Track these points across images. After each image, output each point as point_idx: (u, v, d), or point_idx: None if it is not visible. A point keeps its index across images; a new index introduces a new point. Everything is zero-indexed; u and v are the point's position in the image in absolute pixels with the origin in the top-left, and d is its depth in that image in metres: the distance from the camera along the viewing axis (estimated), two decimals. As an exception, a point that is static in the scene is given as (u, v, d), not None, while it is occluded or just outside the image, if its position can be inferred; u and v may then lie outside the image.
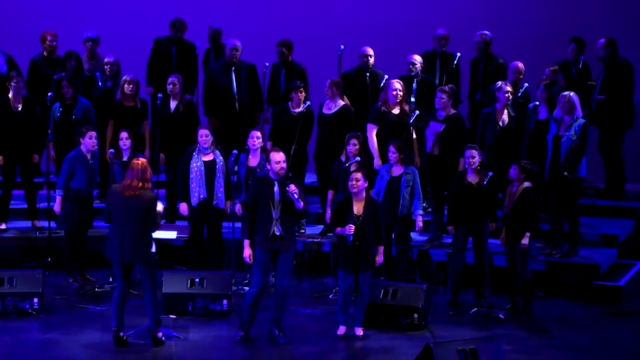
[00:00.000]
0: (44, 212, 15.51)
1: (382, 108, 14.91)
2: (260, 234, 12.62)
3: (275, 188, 12.58)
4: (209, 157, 14.46)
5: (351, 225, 12.70)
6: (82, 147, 14.50)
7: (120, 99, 15.52)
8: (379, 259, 12.94)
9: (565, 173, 14.35)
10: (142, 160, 12.51)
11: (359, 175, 12.88)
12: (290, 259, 12.70)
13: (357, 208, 12.87)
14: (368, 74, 15.89)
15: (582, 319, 13.85)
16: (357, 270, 12.87)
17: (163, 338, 12.62)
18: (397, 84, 14.89)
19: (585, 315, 13.99)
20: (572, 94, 14.55)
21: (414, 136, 14.85)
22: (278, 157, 12.55)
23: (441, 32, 16.35)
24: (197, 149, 14.48)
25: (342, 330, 13.00)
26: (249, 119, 16.09)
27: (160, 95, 15.55)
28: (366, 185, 12.92)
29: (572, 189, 14.54)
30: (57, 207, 14.47)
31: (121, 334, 12.53)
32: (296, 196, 12.51)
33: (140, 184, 12.35)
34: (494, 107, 15.00)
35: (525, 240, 13.60)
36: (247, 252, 12.69)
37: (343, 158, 14.38)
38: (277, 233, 12.63)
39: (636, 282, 14.95)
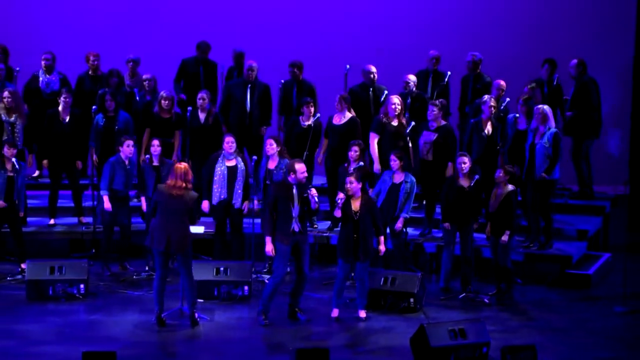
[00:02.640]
0: (89, 210, 15.54)
1: (383, 120, 15.04)
2: (282, 231, 12.76)
3: (294, 191, 12.80)
4: (232, 163, 14.52)
5: (342, 195, 12.91)
6: (121, 154, 14.60)
7: (158, 112, 15.58)
8: (382, 248, 13.05)
9: (543, 175, 14.46)
10: (184, 165, 12.70)
11: (352, 178, 13.01)
12: (308, 250, 12.91)
13: (355, 206, 12.98)
14: (371, 89, 15.92)
15: (557, 303, 13.92)
16: (356, 260, 12.98)
17: (199, 319, 12.74)
18: (396, 99, 14.97)
19: (559, 300, 14.05)
20: (545, 107, 14.61)
21: (410, 144, 14.98)
22: (302, 168, 12.77)
23: (433, 53, 16.39)
24: (222, 154, 14.56)
25: (335, 312, 13.07)
26: (255, 131, 16.11)
27: (189, 108, 15.71)
28: (360, 186, 13.03)
29: (546, 190, 14.65)
30: (106, 205, 14.53)
31: (162, 315, 12.64)
32: (316, 199, 12.75)
33: (184, 184, 12.54)
34: (480, 118, 15.12)
35: (504, 237, 13.68)
36: (270, 247, 12.80)
37: (345, 164, 14.50)
38: (297, 229, 12.82)
39: (603, 271, 15.00)
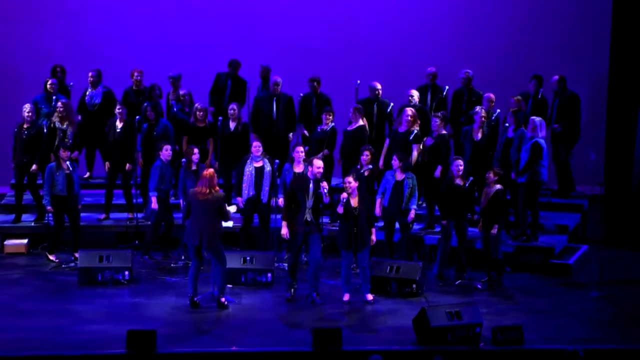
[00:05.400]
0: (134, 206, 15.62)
1: (396, 128, 15.13)
2: (296, 219, 12.90)
3: (311, 185, 12.90)
4: (259, 164, 14.59)
5: (344, 194, 12.92)
6: (162, 157, 14.67)
7: (194, 122, 15.67)
8: (373, 238, 13.11)
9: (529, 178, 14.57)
10: (210, 171, 12.80)
11: (350, 178, 13.08)
12: (319, 238, 12.97)
13: (354, 202, 13.04)
14: (376, 104, 15.90)
15: (541, 289, 13.93)
16: (356, 250, 13.04)
17: (226, 303, 12.83)
18: (410, 111, 15.00)
19: (543, 286, 14.05)
20: (537, 119, 14.72)
21: (415, 150, 14.97)
22: (319, 163, 12.91)
23: (430, 70, 16.43)
24: (250, 157, 14.63)
25: (346, 297, 13.12)
26: (283, 137, 16.16)
27: (220, 118, 15.79)
28: (357, 184, 13.10)
29: (534, 190, 14.70)
30: (154, 205, 14.54)
31: (195, 298, 12.74)
32: (325, 191, 12.81)
33: (208, 190, 12.66)
34: (471, 126, 15.13)
35: (494, 230, 13.71)
36: (285, 230, 12.98)
37: (358, 166, 14.58)
38: (309, 219, 12.92)
39: (582, 261, 15.00)
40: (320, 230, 13.09)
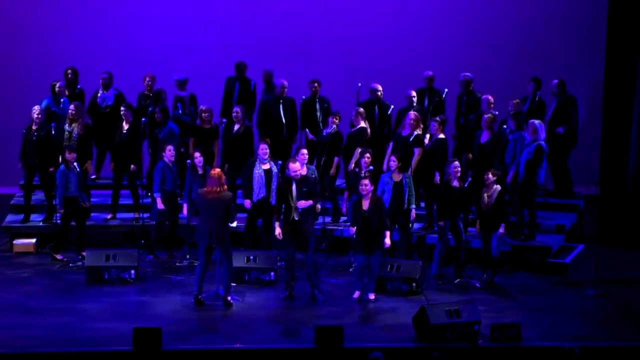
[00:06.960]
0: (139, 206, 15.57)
1: (399, 132, 15.09)
2: (285, 219, 12.94)
3: (294, 186, 12.90)
4: (266, 167, 14.50)
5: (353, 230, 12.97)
6: (165, 159, 14.67)
7: (200, 124, 15.63)
8: (387, 241, 13.07)
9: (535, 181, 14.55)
10: (217, 170, 12.81)
11: (367, 181, 13.08)
12: (309, 237, 12.93)
13: (365, 205, 13.03)
14: (377, 105, 15.87)
15: (538, 287, 13.89)
16: (368, 252, 13.01)
17: (232, 301, 12.82)
18: (413, 115, 14.97)
19: (540, 285, 14.01)
20: (537, 121, 14.68)
21: (416, 152, 14.97)
22: (293, 167, 12.93)
23: (427, 73, 16.34)
24: (257, 160, 14.57)
25: (356, 294, 13.12)
26: (291, 139, 16.15)
27: (225, 120, 15.71)
28: (372, 188, 13.11)
29: (531, 192, 14.66)
30: (159, 205, 14.51)
31: (200, 297, 12.72)
32: (301, 208, 12.85)
33: (218, 189, 12.65)
34: (481, 130, 15.14)
35: (502, 230, 13.70)
36: (277, 230, 13.03)
37: (357, 168, 14.53)
38: (297, 218, 12.90)
39: (578, 260, 14.95)
40: (311, 229, 13.01)
